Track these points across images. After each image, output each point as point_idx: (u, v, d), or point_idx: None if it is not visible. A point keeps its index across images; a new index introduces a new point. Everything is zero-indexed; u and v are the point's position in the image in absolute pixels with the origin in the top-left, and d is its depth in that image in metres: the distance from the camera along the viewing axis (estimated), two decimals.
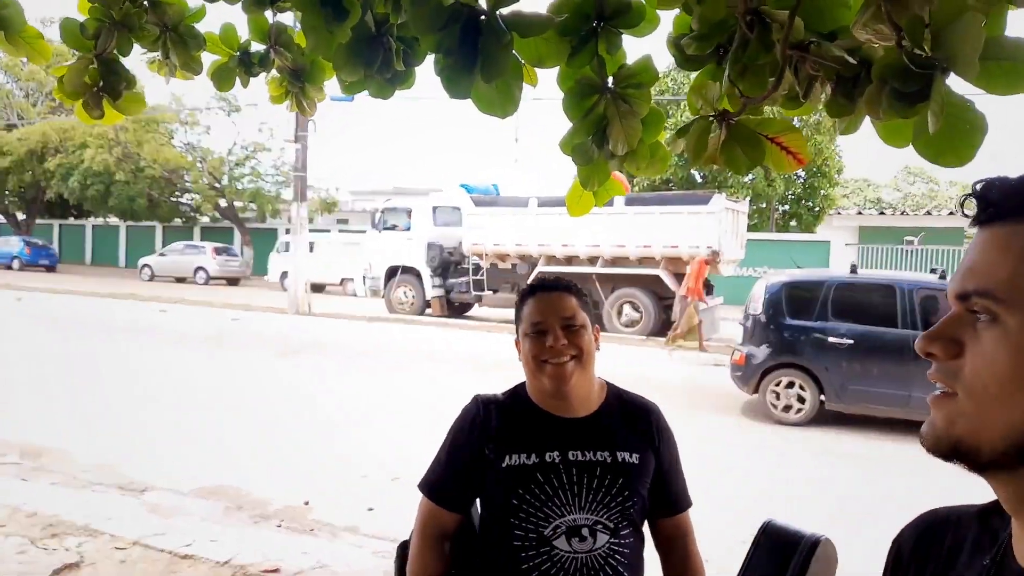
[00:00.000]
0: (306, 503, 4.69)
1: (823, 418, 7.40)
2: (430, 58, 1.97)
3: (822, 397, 7.34)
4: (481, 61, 1.69)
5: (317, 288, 21.37)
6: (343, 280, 24.32)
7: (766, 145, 1.40)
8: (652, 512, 1.68)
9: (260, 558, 3.68)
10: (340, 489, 5.01)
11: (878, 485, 5.61)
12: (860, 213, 28.63)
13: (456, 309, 16.54)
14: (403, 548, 1.78)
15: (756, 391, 7.68)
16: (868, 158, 52.95)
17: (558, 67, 1.80)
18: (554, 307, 1.59)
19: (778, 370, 7.55)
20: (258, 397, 7.80)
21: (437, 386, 8.69)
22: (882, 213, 28.17)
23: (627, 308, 13.79)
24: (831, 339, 7.27)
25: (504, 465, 1.57)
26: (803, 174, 23.97)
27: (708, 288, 14.16)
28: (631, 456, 1.60)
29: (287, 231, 25.27)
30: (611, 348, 12.16)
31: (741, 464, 6.02)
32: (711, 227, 12.87)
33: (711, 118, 1.40)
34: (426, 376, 9.46)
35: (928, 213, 26.74)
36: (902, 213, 27.94)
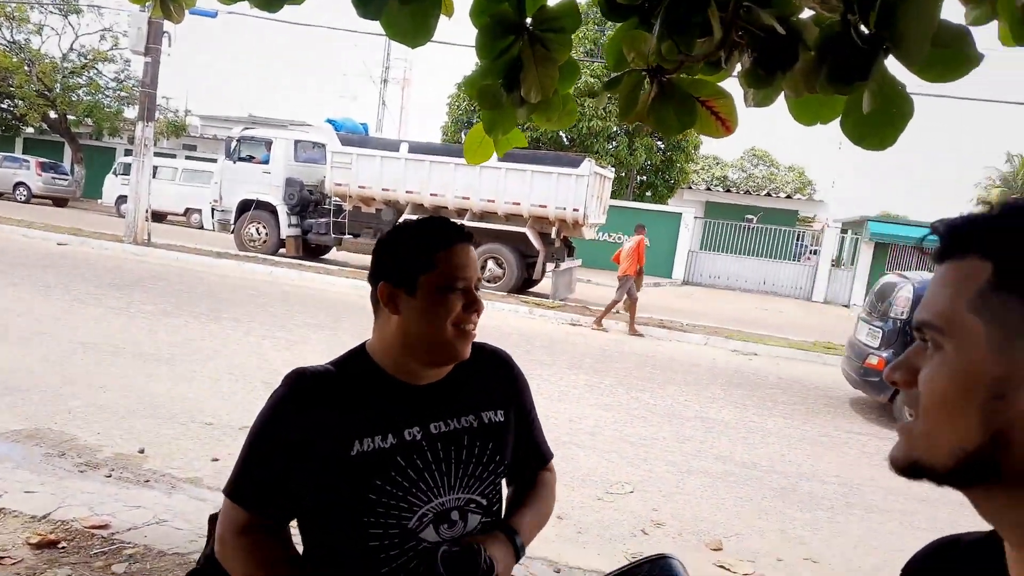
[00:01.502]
0: (141, 451, 4.32)
1: None
2: None
3: None
4: None
5: (158, 217, 19.82)
6: (187, 210, 22.77)
7: (698, 108, 1.33)
8: (520, 467, 1.53)
9: (87, 512, 3.33)
10: (180, 437, 4.66)
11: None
12: (709, 189, 30.41)
13: (312, 251, 15.91)
14: (214, 521, 1.44)
15: (892, 400, 7.15)
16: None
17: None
18: (474, 263, 1.34)
19: None
20: (87, 332, 7.09)
21: (289, 332, 8.33)
22: (728, 191, 30.02)
23: (491, 264, 13.81)
24: None
25: (354, 453, 1.28)
26: (662, 146, 24.94)
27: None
28: (496, 414, 1.43)
29: (127, 152, 23.17)
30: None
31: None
32: (579, 190, 13.05)
33: (643, 72, 1.31)
34: (278, 320, 9.02)
35: (768, 194, 28.78)
36: (746, 192, 29.82)
